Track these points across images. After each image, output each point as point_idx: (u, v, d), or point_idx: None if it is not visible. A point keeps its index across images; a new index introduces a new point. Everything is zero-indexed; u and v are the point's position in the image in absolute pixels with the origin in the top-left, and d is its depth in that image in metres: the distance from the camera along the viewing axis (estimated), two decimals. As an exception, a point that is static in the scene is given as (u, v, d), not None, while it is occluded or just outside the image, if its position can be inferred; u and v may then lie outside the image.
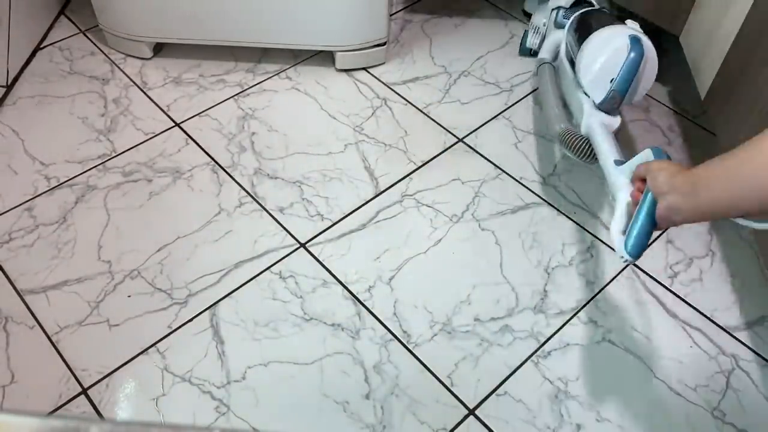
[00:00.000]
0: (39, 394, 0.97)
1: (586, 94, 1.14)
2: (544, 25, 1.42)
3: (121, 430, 0.34)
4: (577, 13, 1.28)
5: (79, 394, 0.97)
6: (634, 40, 1.07)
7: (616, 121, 1.11)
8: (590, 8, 1.29)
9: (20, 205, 1.20)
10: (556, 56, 1.34)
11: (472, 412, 0.97)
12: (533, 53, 1.48)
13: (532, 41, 1.45)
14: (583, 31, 1.22)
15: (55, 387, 0.98)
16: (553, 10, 1.38)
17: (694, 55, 1.28)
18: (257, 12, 1.35)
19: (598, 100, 1.11)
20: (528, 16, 1.59)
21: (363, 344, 1.03)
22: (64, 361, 1.01)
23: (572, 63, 1.25)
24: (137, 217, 1.19)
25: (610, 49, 1.09)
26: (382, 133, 1.34)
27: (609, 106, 1.10)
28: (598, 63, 1.11)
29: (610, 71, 1.09)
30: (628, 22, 1.15)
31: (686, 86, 1.44)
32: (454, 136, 1.34)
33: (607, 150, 1.01)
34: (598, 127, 1.08)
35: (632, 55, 1.06)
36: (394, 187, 1.25)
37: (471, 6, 1.64)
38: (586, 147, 1.08)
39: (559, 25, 1.34)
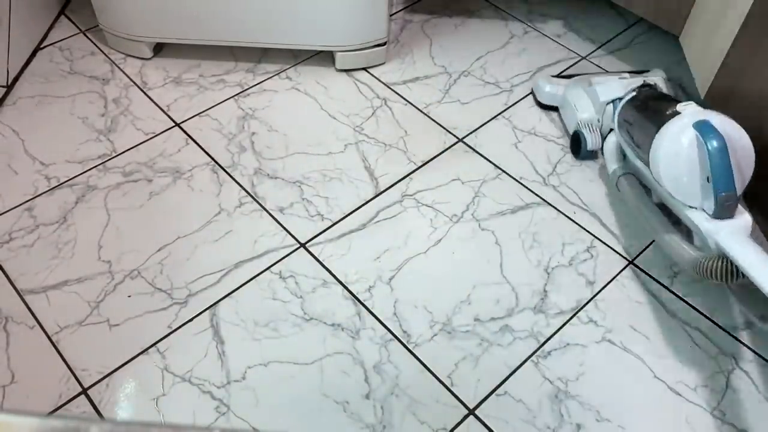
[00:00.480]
0: (39, 394, 0.97)
1: (690, 206, 0.94)
2: (599, 121, 1.22)
3: (121, 430, 0.34)
4: (622, 106, 1.13)
5: (79, 394, 0.97)
6: (703, 127, 0.90)
7: (745, 221, 0.90)
8: (631, 95, 1.14)
9: (20, 205, 1.20)
10: (623, 154, 1.17)
11: (472, 412, 0.97)
12: (595, 154, 1.28)
13: (593, 142, 1.22)
14: (636, 130, 1.04)
15: (55, 387, 0.98)
16: (607, 103, 1.20)
17: (694, 55, 1.28)
18: (257, 12, 1.35)
19: (710, 210, 0.91)
20: (544, 107, 1.38)
21: (363, 344, 1.03)
22: (64, 361, 1.01)
23: (645, 162, 1.05)
24: (137, 217, 1.19)
25: (683, 150, 0.91)
26: (382, 133, 1.34)
27: (726, 211, 0.89)
28: (682, 171, 0.92)
29: (700, 171, 0.91)
30: (680, 105, 0.96)
31: (686, 86, 1.44)
32: (454, 136, 1.34)
33: (763, 273, 0.80)
34: (730, 240, 0.87)
35: (714, 144, 0.87)
36: (394, 187, 1.25)
37: (471, 6, 1.64)
38: (730, 270, 0.85)
39: None
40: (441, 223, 1.19)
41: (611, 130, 1.20)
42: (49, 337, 1.03)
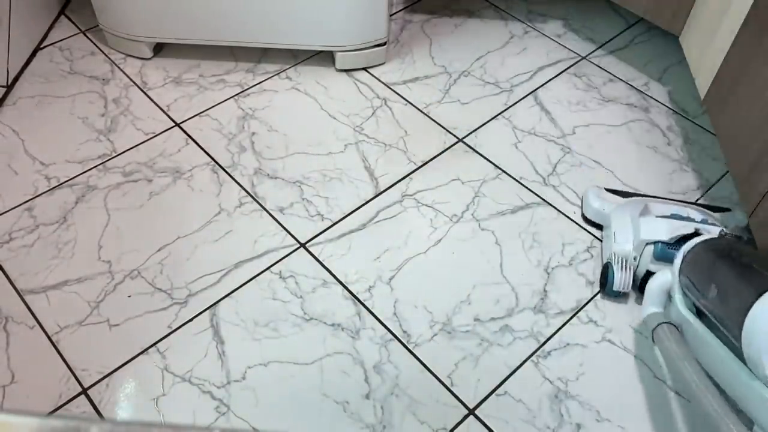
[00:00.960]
0: (39, 394, 0.97)
1: None
2: (635, 260, 1.05)
3: (121, 430, 0.34)
4: (695, 245, 0.93)
5: (79, 394, 0.97)
6: None
7: None
8: (709, 237, 0.95)
9: (20, 205, 1.20)
10: (667, 297, 0.99)
11: (472, 412, 0.97)
12: (623, 293, 1.09)
13: (621, 282, 1.04)
14: (717, 278, 0.84)
15: (55, 387, 0.98)
16: (647, 244, 1.04)
17: (694, 55, 1.28)
18: (257, 12, 1.35)
19: None
20: (593, 224, 1.19)
21: (363, 344, 1.03)
22: (64, 361, 1.01)
23: (700, 313, 0.91)
24: (137, 217, 1.19)
25: None
26: (382, 133, 1.34)
27: None
28: None
29: None
30: None
31: (686, 86, 1.44)
32: (454, 136, 1.34)
33: None
34: None
35: None
36: (394, 187, 1.25)
37: (471, 6, 1.64)
38: None
39: (661, 259, 1.02)
40: (441, 223, 1.19)
41: (648, 272, 1.05)
42: (49, 337, 1.03)
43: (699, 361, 0.87)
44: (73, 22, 1.57)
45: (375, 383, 0.99)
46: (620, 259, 1.06)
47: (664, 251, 1.02)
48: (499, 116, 1.38)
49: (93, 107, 1.38)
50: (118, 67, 1.46)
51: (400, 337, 1.04)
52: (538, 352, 1.03)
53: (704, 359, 0.86)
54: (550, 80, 1.45)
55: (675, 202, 1.17)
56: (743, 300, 0.75)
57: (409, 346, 1.03)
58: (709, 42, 1.22)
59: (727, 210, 1.18)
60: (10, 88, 1.40)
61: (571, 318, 1.07)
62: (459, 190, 1.25)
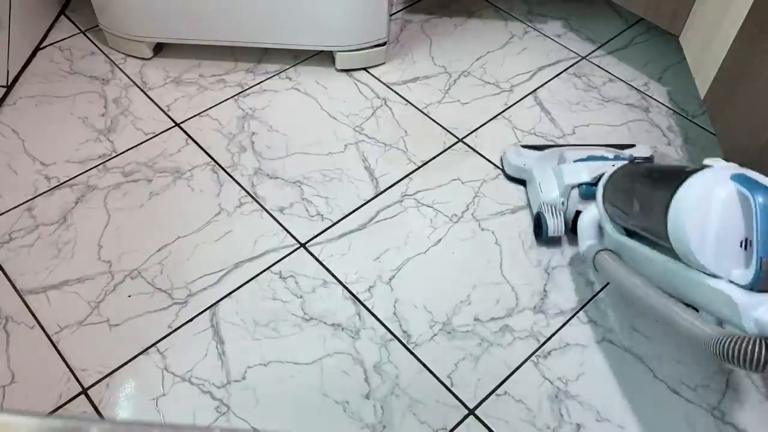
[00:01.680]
0: (39, 394, 0.97)
1: (715, 276, 0.76)
2: (564, 204, 1.12)
3: (121, 430, 0.34)
4: (612, 174, 1.01)
5: (79, 394, 0.97)
6: (744, 180, 0.74)
7: None
8: (625, 164, 1.03)
9: (20, 205, 1.20)
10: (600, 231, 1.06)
11: (472, 412, 0.97)
12: (558, 239, 1.17)
13: (555, 227, 1.11)
14: (638, 195, 0.90)
15: (55, 387, 0.98)
16: (573, 188, 1.11)
17: (694, 55, 1.28)
18: (257, 12, 1.35)
19: (746, 280, 0.73)
20: (514, 180, 1.26)
21: (363, 344, 1.03)
22: (64, 361, 1.01)
23: (631, 234, 0.95)
24: (137, 217, 1.19)
25: (717, 207, 0.75)
26: (382, 133, 1.34)
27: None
28: (712, 232, 0.75)
29: (735, 233, 0.75)
30: (708, 160, 0.81)
31: (686, 86, 1.44)
32: (454, 136, 1.34)
33: None
34: None
35: (759, 200, 0.72)
36: (394, 187, 1.25)
37: (471, 6, 1.64)
38: (764, 354, 0.67)
39: (588, 197, 1.09)
40: (441, 223, 1.19)
41: (578, 212, 1.11)
42: (49, 337, 1.03)
43: (648, 276, 0.91)
44: (73, 22, 1.57)
45: (375, 383, 0.99)
46: (549, 207, 1.12)
47: (589, 190, 1.09)
48: (499, 116, 1.38)
49: (93, 107, 1.38)
50: (118, 67, 1.46)
51: (400, 337, 1.04)
52: (538, 352, 1.03)
53: (645, 272, 0.91)
54: (550, 80, 1.45)
55: (586, 146, 1.23)
56: (662, 204, 0.80)
57: (409, 346, 1.03)
58: (709, 42, 1.22)
59: (632, 146, 1.24)
60: (10, 88, 1.40)
61: (571, 318, 1.07)
62: (459, 190, 1.25)
